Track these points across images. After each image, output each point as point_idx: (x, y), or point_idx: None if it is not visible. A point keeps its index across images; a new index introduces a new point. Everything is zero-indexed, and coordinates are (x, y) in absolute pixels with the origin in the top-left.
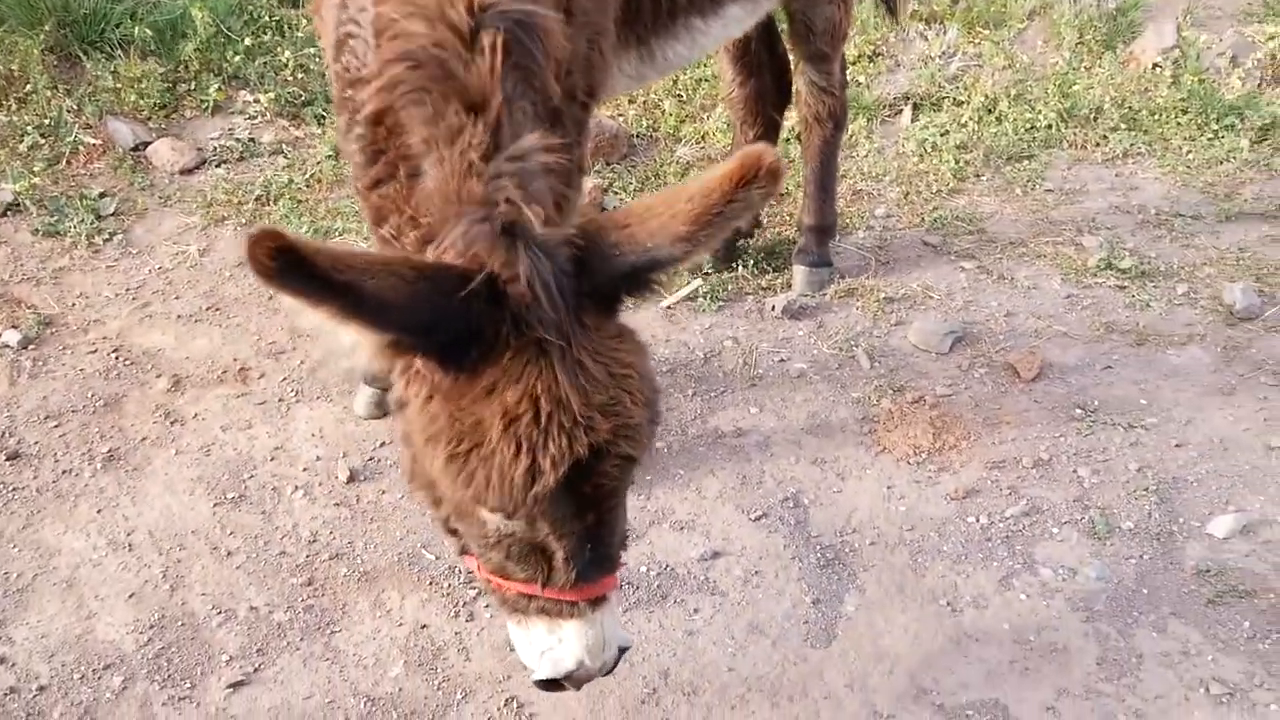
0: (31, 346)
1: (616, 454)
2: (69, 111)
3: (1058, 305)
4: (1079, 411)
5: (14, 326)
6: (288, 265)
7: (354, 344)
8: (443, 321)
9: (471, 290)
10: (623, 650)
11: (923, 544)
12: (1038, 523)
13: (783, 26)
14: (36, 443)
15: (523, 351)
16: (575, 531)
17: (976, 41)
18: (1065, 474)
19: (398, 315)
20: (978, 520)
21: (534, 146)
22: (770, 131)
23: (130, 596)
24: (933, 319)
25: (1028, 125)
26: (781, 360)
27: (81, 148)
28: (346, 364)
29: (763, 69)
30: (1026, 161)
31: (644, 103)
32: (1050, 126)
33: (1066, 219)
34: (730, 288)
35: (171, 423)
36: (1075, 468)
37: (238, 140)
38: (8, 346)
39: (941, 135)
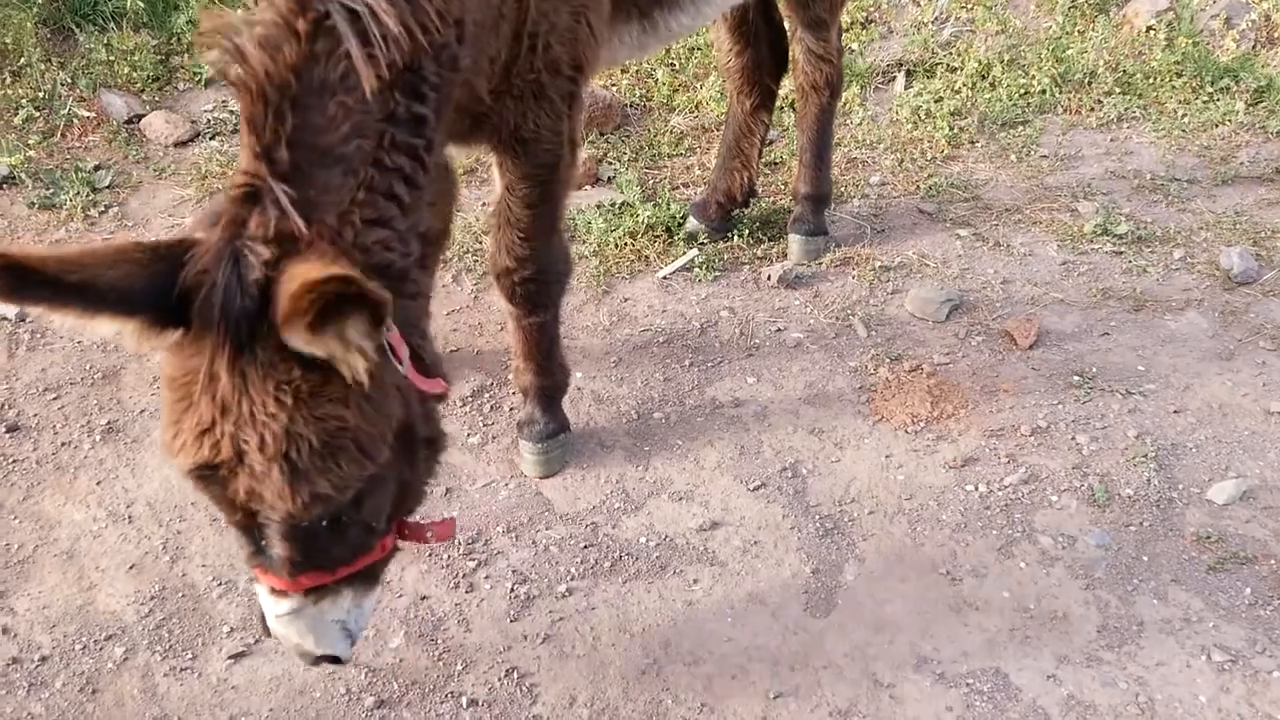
0: (29, 319)
1: (248, 491)
2: (63, 85)
3: (1054, 272)
4: (1077, 379)
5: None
6: (18, 281)
7: (115, 334)
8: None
9: (178, 264)
10: (336, 659)
11: (921, 513)
12: (1036, 491)
13: None
14: (36, 415)
15: (204, 334)
16: (237, 525)
17: (969, 7)
18: (1064, 441)
19: (141, 298)
20: (976, 489)
21: (328, 142)
22: (766, 100)
23: (131, 568)
24: (929, 287)
25: (1021, 91)
26: (778, 330)
27: (76, 121)
28: None
29: (759, 38)
30: (1021, 127)
31: (636, 72)
32: (1044, 92)
33: (1062, 185)
34: (726, 258)
35: None
36: (1074, 435)
37: (231, 112)
38: (5, 319)
39: (935, 102)
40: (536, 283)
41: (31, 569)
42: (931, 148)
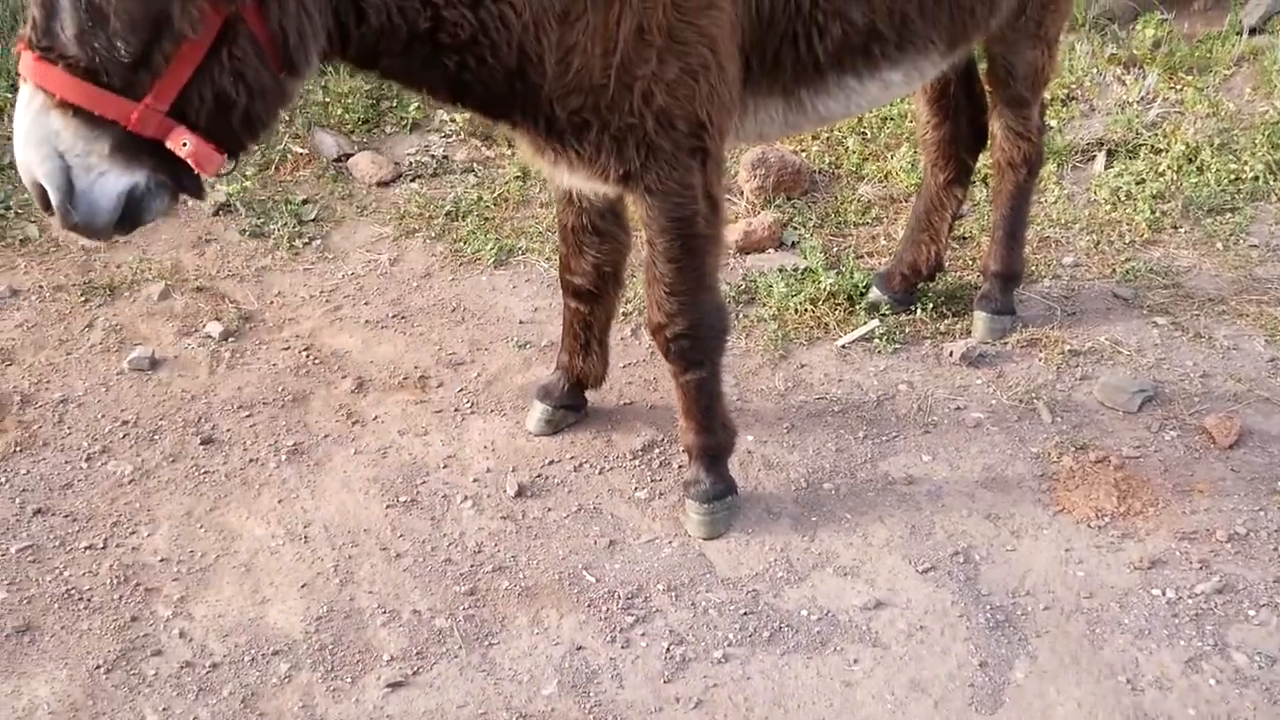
0: (231, 339)
1: None
2: (282, 122)
3: (1260, 368)
4: None
5: (217, 319)
6: None
7: None
8: None
9: None
10: (46, 199)
11: (1102, 614)
12: (1232, 602)
13: (981, 67)
14: (229, 430)
15: None
16: None
17: (1178, 88)
18: (1265, 551)
19: None
20: (1164, 594)
21: None
22: (962, 174)
23: (302, 587)
24: (1121, 375)
25: (1232, 176)
26: (958, 408)
27: (290, 156)
28: (520, 379)
29: (959, 111)
30: (1229, 214)
31: (827, 139)
32: (1257, 179)
33: (1272, 277)
34: (907, 330)
35: (353, 423)
36: (1276, 546)
37: (432, 157)
38: (210, 337)
39: (1137, 184)
40: (689, 339)
41: (211, 578)
42: (1130, 230)
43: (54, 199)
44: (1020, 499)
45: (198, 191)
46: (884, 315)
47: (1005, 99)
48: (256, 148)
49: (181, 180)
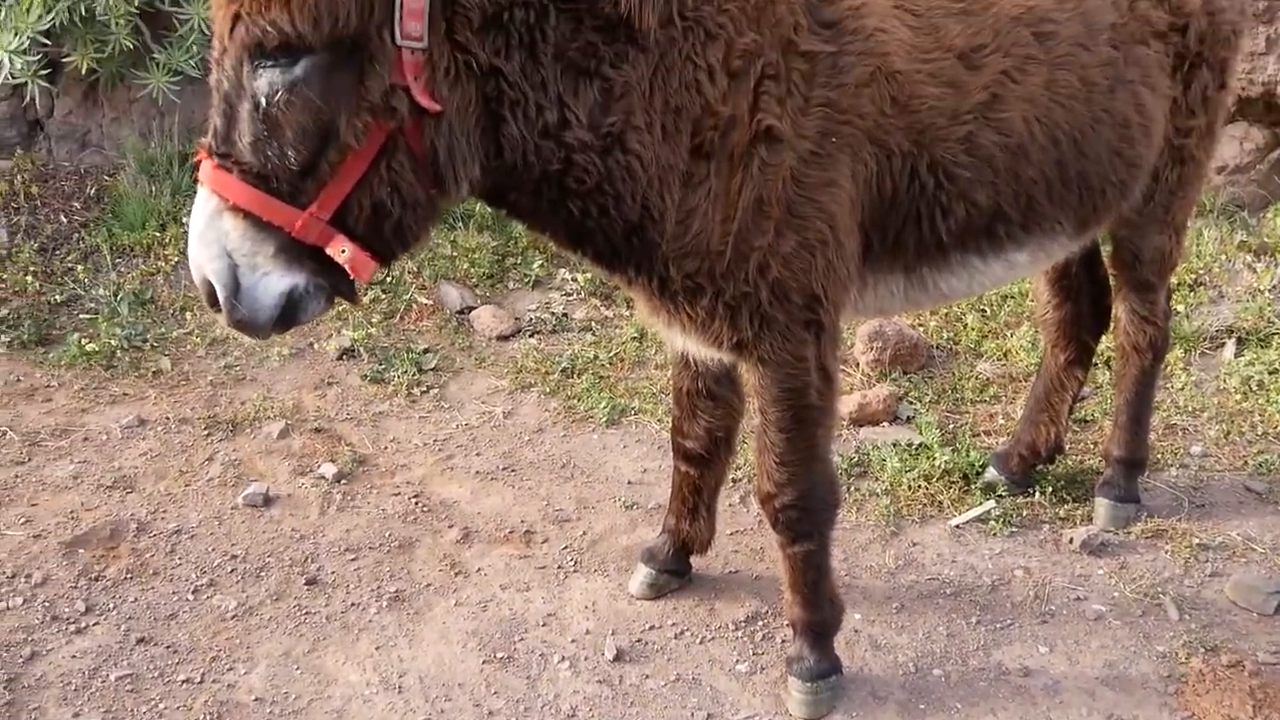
0: (344, 481)
1: None
2: (409, 273)
3: None
4: None
5: (331, 460)
6: None
7: None
8: None
9: None
10: (214, 298)
11: None
12: None
13: (1106, 249)
14: (334, 573)
15: None
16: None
17: None
18: None
19: None
20: None
21: None
22: (1083, 356)
23: None
24: (1255, 574)
25: None
26: (1078, 599)
27: (414, 306)
28: (626, 541)
29: (1081, 293)
30: None
31: (945, 314)
32: None
33: None
34: (1025, 513)
35: (456, 574)
36: None
37: (552, 314)
38: (323, 478)
39: (1270, 374)
40: (798, 510)
41: None
42: (1263, 422)
43: (220, 296)
44: (1145, 700)
45: (352, 296)
46: (1000, 496)
47: (1130, 283)
48: (407, 256)
49: (338, 285)
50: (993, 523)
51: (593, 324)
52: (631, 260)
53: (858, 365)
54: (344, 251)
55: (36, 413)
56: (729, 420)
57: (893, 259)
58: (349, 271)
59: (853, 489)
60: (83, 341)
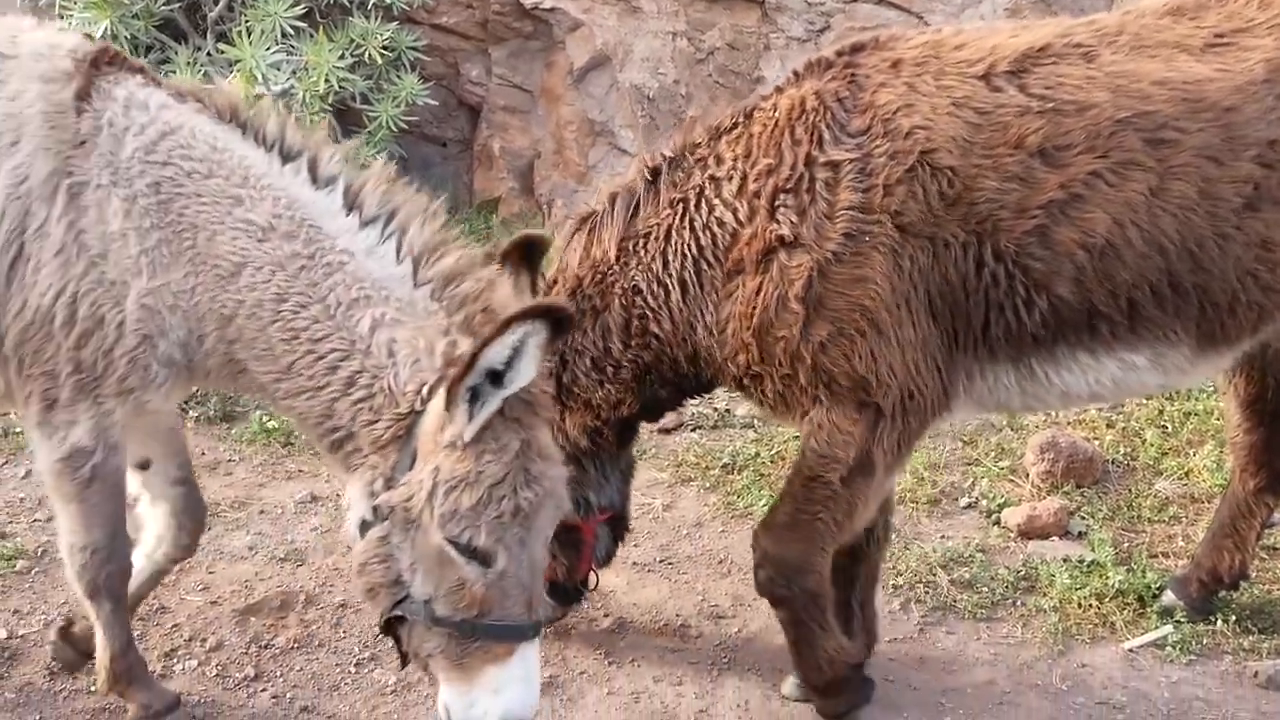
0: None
1: None
2: None
3: None
4: None
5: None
6: None
7: None
8: None
9: None
10: None
11: None
12: None
13: None
14: None
15: None
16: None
17: None
18: None
19: None
20: None
21: None
22: (1274, 483)
23: None
24: None
25: None
26: None
27: None
28: (781, 640)
29: (1274, 418)
30: None
31: (1124, 429)
32: None
33: None
34: (1205, 642)
35: (610, 663)
36: None
37: (715, 410)
38: None
39: None
40: (769, 571)
41: None
42: None
43: None
44: None
45: None
46: (1179, 622)
47: None
48: None
49: None
50: (1170, 649)
51: (754, 421)
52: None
53: (1028, 475)
54: None
55: (219, 485)
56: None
57: (991, 350)
58: None
59: (1019, 603)
60: (264, 419)
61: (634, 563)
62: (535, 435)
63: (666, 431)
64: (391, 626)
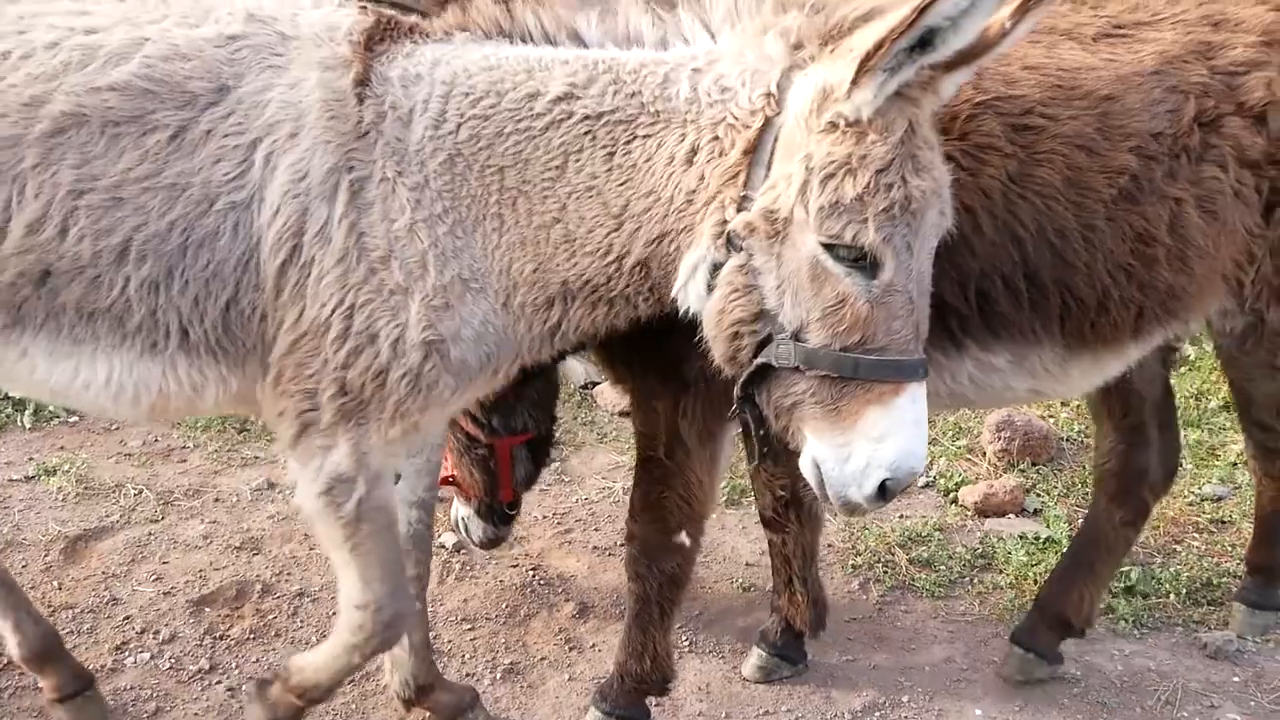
0: (463, 552)
1: None
2: None
3: None
4: None
5: (453, 530)
6: None
7: None
8: None
9: None
10: None
11: None
12: None
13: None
14: (450, 641)
15: None
16: None
17: None
18: None
19: None
20: None
21: None
22: (1140, 515)
23: None
24: None
25: None
26: (1211, 705)
27: None
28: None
29: (1141, 436)
30: None
31: (1078, 406)
32: None
33: None
34: (1157, 614)
35: (570, 648)
36: None
37: None
38: (443, 547)
39: None
40: (636, 550)
41: None
42: None
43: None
44: None
45: None
46: (1129, 590)
47: (1247, 420)
48: None
49: None
50: (1123, 622)
51: None
52: None
53: (984, 454)
54: None
55: (172, 472)
56: (795, 482)
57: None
58: None
59: (976, 581)
60: None
61: (595, 547)
62: (921, 117)
63: (626, 414)
64: (747, 403)
